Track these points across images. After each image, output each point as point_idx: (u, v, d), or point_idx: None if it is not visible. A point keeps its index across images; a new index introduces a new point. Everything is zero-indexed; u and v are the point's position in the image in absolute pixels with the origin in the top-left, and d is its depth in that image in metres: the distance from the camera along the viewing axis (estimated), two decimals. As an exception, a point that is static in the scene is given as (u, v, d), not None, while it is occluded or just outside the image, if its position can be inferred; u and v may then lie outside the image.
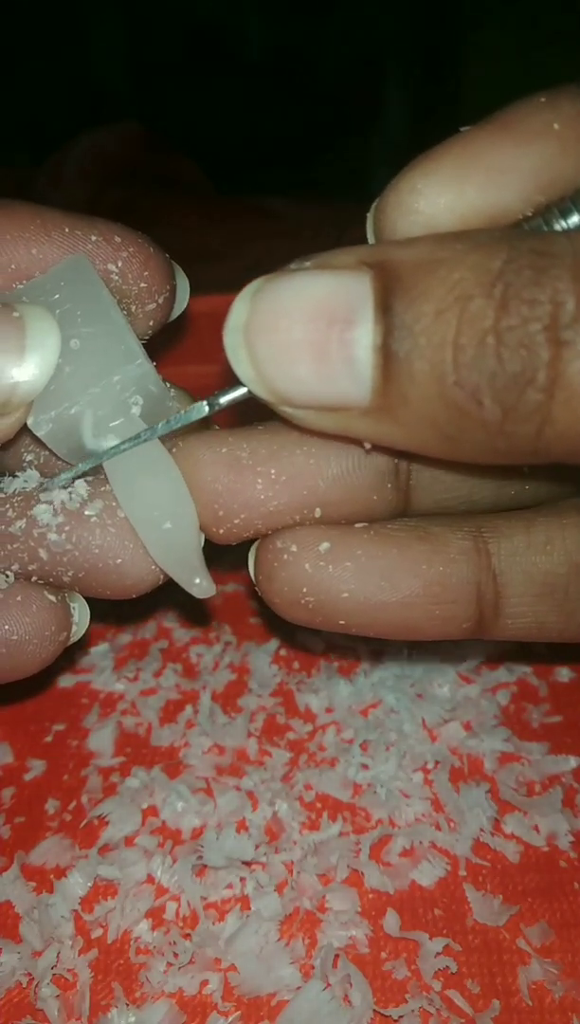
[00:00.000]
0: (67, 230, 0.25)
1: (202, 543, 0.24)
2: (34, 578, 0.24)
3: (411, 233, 0.23)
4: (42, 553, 0.23)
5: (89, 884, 0.29)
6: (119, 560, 0.23)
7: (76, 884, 0.29)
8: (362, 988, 0.26)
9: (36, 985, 0.27)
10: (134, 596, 0.24)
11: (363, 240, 0.25)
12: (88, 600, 0.25)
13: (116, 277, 0.25)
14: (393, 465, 0.25)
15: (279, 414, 0.22)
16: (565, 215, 0.23)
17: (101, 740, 0.34)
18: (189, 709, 0.35)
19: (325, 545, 0.24)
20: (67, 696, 0.36)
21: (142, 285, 0.25)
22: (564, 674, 0.36)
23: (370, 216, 0.25)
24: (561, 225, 0.22)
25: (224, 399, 0.23)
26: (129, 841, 0.31)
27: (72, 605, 0.25)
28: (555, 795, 0.31)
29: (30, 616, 0.23)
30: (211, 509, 0.24)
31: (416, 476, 0.26)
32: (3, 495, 0.24)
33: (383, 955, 0.27)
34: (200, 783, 0.32)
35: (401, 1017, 0.26)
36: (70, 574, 0.24)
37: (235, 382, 0.22)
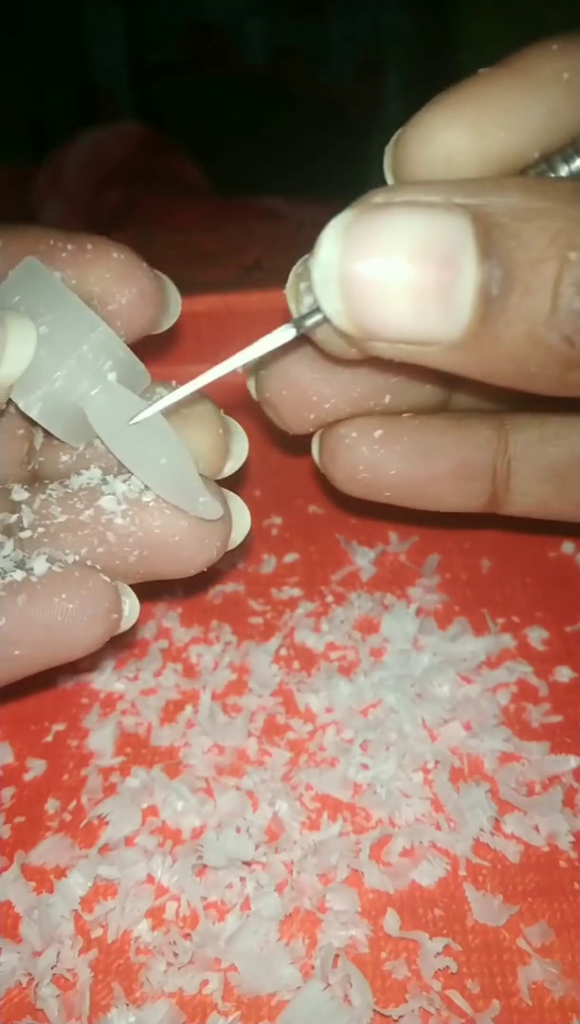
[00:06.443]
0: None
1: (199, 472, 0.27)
2: (98, 564, 0.27)
3: (431, 168, 0.25)
4: (110, 536, 0.27)
5: (89, 884, 0.29)
6: (176, 538, 0.26)
7: (76, 884, 0.29)
8: (362, 988, 0.26)
9: (36, 985, 0.27)
10: (193, 572, 0.27)
11: None
12: (145, 594, 0.28)
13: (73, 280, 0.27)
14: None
15: (351, 344, 0.24)
16: (568, 161, 0.24)
17: (101, 740, 0.34)
18: (189, 709, 0.35)
19: (379, 432, 0.30)
20: (67, 696, 0.36)
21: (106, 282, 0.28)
22: (564, 674, 0.36)
23: (388, 150, 0.26)
24: (565, 170, 0.24)
25: (309, 322, 0.24)
26: (129, 841, 0.31)
27: (124, 597, 0.27)
28: (555, 795, 0.31)
29: (86, 590, 0.26)
30: (306, 396, 0.29)
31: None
32: (71, 490, 0.27)
33: (383, 955, 0.28)
34: (200, 783, 0.32)
35: (401, 1017, 0.26)
36: (135, 554, 0.27)
37: (294, 320, 0.24)
